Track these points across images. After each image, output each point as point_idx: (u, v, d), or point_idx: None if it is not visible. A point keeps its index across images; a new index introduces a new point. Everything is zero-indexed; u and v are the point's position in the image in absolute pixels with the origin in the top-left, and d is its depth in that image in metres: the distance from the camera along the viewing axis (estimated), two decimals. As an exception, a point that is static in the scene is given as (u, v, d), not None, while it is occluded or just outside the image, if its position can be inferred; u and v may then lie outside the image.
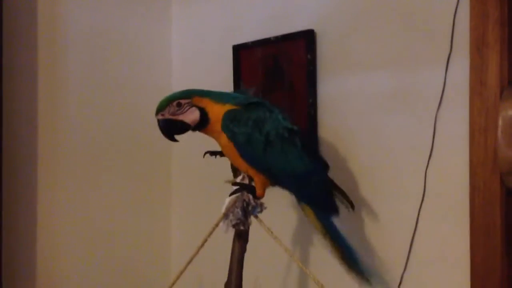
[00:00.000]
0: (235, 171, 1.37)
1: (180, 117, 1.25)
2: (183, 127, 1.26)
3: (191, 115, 1.25)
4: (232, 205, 1.26)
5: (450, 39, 1.33)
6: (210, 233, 1.25)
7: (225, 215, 1.26)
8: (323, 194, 1.33)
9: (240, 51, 1.78)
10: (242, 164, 1.28)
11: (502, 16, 1.25)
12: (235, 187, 1.29)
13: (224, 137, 1.26)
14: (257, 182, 1.29)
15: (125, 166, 1.87)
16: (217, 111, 1.25)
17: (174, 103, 1.24)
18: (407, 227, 1.40)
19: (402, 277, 1.41)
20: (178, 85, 1.98)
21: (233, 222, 1.25)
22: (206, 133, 1.30)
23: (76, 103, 1.75)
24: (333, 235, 1.32)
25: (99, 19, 1.81)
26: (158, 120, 1.26)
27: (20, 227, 1.63)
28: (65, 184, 1.72)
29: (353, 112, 1.52)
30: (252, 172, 1.28)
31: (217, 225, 1.26)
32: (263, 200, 1.30)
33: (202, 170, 1.90)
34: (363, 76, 1.50)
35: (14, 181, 1.61)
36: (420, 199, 1.38)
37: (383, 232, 1.45)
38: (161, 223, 1.98)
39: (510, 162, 1.22)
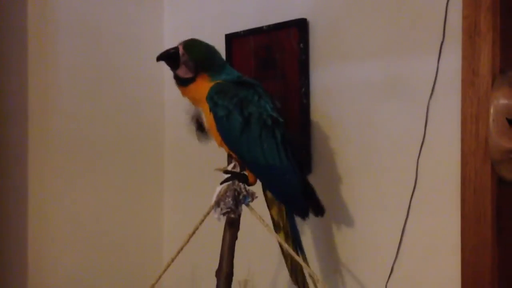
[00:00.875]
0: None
1: (181, 65, 1.25)
2: (174, 61, 1.26)
3: (184, 72, 1.26)
4: (223, 194, 1.26)
5: (442, 27, 1.33)
6: (202, 221, 1.25)
7: (216, 204, 1.26)
8: (295, 194, 1.30)
9: (233, 40, 1.77)
10: (222, 143, 1.27)
11: (494, 4, 1.25)
12: (226, 175, 1.29)
13: (207, 109, 1.25)
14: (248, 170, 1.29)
15: (117, 154, 1.86)
16: (206, 84, 1.25)
17: (190, 63, 1.25)
18: (398, 216, 1.40)
19: (392, 267, 1.42)
20: (170, 75, 1.97)
21: (223, 211, 1.24)
22: (187, 93, 1.29)
23: (67, 94, 1.73)
24: (295, 236, 1.33)
25: (90, 8, 1.79)
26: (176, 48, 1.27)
27: (10, 215, 1.61)
28: (56, 174, 1.71)
29: (346, 101, 1.51)
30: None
31: (208, 213, 1.26)
32: (254, 188, 1.30)
33: (194, 158, 1.89)
34: (355, 65, 1.49)
35: (4, 174, 1.60)
36: (412, 188, 1.38)
37: (374, 222, 1.45)
38: (153, 211, 1.97)
39: (502, 151, 1.22)
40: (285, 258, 1.34)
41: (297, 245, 1.33)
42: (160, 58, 1.27)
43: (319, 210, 1.37)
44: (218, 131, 1.25)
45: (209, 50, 1.30)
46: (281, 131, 1.27)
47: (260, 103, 1.26)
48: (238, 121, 1.22)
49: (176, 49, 1.26)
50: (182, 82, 1.28)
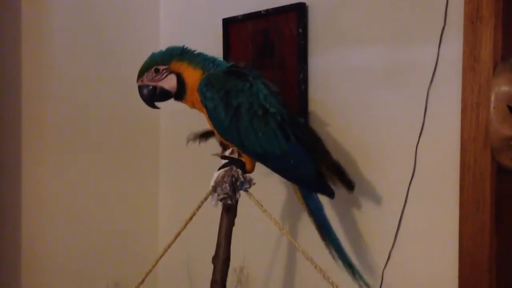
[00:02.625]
0: (223, 146, 1.35)
1: (159, 84, 1.23)
2: (163, 94, 1.25)
3: (169, 82, 1.23)
4: (221, 180, 1.25)
5: (444, 13, 1.31)
6: (199, 207, 1.24)
7: (214, 189, 1.24)
8: (307, 176, 1.27)
9: (230, 25, 1.75)
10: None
11: (497, -11, 1.23)
12: (224, 161, 1.27)
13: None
14: (246, 156, 1.27)
15: (112, 141, 1.84)
16: (194, 78, 1.23)
17: (152, 69, 1.23)
18: (396, 202, 1.39)
19: (390, 254, 1.41)
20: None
21: (220, 196, 1.23)
22: (188, 103, 1.27)
23: (62, 83, 1.71)
24: (317, 216, 1.30)
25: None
26: (138, 87, 1.25)
27: (4, 199, 1.59)
28: (51, 160, 1.69)
29: (344, 87, 1.50)
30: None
31: (205, 199, 1.24)
32: (252, 174, 1.29)
33: (189, 145, 1.87)
34: (354, 51, 1.48)
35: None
36: (410, 175, 1.37)
37: (372, 208, 1.45)
38: (148, 197, 1.96)
39: (502, 138, 1.21)
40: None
41: (322, 227, 1.29)
42: (151, 104, 1.27)
43: (349, 185, 1.31)
44: (211, 123, 1.24)
45: (168, 49, 1.27)
46: (276, 119, 1.23)
47: (252, 91, 1.23)
48: (226, 112, 1.20)
49: (139, 88, 1.26)
50: (178, 95, 1.25)
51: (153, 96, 1.25)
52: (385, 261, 1.41)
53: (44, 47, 1.67)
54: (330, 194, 1.30)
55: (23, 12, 1.62)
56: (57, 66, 1.70)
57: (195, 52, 1.27)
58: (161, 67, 1.23)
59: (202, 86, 1.21)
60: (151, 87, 1.24)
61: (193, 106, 1.27)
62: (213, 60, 1.28)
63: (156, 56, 1.25)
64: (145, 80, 1.24)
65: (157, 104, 1.27)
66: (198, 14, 1.86)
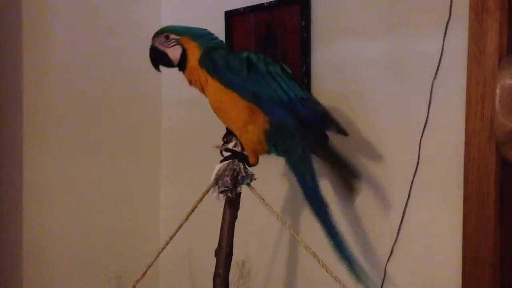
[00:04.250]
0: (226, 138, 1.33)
1: (166, 50, 1.27)
2: (166, 61, 1.28)
3: (174, 52, 1.26)
4: (222, 173, 1.24)
5: (449, 5, 1.30)
6: (200, 200, 1.23)
7: (215, 182, 1.24)
8: (317, 118, 1.27)
9: (232, 18, 1.73)
10: (230, 121, 1.24)
11: (503, -19, 1.22)
12: (226, 154, 1.27)
13: (208, 82, 1.23)
14: (249, 150, 1.26)
15: (114, 132, 1.84)
16: (195, 60, 1.24)
17: (164, 35, 1.27)
18: (400, 196, 1.38)
19: (392, 249, 1.40)
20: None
21: (221, 189, 1.22)
22: (186, 78, 1.27)
23: (62, 76, 1.69)
24: (316, 209, 1.25)
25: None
26: (150, 47, 1.29)
27: (5, 197, 1.59)
28: (52, 151, 1.68)
29: (348, 80, 1.49)
30: (242, 117, 1.21)
31: (207, 191, 1.23)
32: (254, 168, 1.28)
33: (192, 136, 1.87)
34: (358, 43, 1.46)
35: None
36: (414, 168, 1.36)
37: (375, 202, 1.44)
38: (150, 189, 1.95)
39: (507, 131, 1.20)
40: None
41: (323, 220, 1.24)
42: (154, 65, 1.29)
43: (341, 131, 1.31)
44: (225, 84, 1.21)
45: (193, 28, 1.30)
46: (284, 71, 1.24)
47: (251, 56, 1.24)
48: (241, 65, 1.21)
49: (152, 46, 1.28)
50: (183, 63, 1.26)
51: (157, 60, 1.29)
52: (388, 256, 1.41)
53: (45, 44, 1.66)
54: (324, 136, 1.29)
55: (24, 5, 1.60)
56: (57, 61, 1.68)
57: (209, 35, 1.29)
58: (172, 36, 1.26)
59: (204, 56, 1.23)
60: (158, 50, 1.27)
61: (190, 83, 1.28)
62: (221, 41, 1.31)
63: (173, 26, 1.30)
64: (156, 43, 1.27)
65: (161, 68, 1.30)
66: (200, 7, 1.85)
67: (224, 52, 1.24)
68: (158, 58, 1.28)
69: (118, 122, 1.85)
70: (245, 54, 1.23)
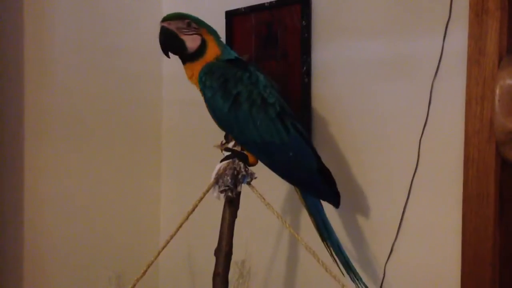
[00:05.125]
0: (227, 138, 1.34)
1: (183, 37, 1.23)
2: (180, 47, 1.23)
3: (193, 41, 1.23)
4: (222, 172, 1.24)
5: (449, 5, 1.30)
6: (200, 199, 1.23)
7: (215, 181, 1.24)
8: (306, 173, 1.25)
9: (233, 18, 1.74)
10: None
11: (503, -19, 1.22)
12: (226, 153, 1.27)
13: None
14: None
15: (114, 131, 1.84)
16: (213, 53, 1.24)
17: (186, 21, 1.23)
18: (399, 196, 1.38)
19: (392, 247, 1.41)
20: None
21: (221, 188, 1.22)
22: (188, 71, 1.26)
23: (63, 71, 1.70)
24: (316, 217, 1.27)
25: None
26: (162, 27, 1.23)
27: (6, 196, 1.59)
28: (52, 151, 1.68)
29: (348, 80, 1.49)
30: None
31: (207, 191, 1.24)
32: (255, 167, 1.28)
33: (193, 135, 1.87)
34: (358, 43, 1.47)
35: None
36: (414, 168, 1.36)
37: (375, 202, 1.44)
38: (150, 188, 1.96)
39: (506, 131, 1.20)
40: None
41: (323, 229, 1.27)
42: (165, 49, 1.25)
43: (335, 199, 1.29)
44: (209, 112, 1.23)
45: (197, 17, 1.27)
46: (276, 109, 1.23)
47: (251, 80, 1.23)
48: (225, 100, 1.20)
49: (163, 28, 1.23)
50: (189, 56, 1.24)
51: (171, 44, 1.24)
52: (388, 255, 1.41)
53: (46, 44, 1.66)
54: (335, 202, 1.28)
55: (25, 5, 1.61)
56: (58, 60, 1.69)
57: (220, 39, 1.29)
58: (193, 25, 1.23)
59: (201, 74, 1.21)
60: (175, 35, 1.23)
61: (191, 77, 1.26)
62: (228, 49, 1.29)
63: (192, 15, 1.25)
64: (172, 26, 1.23)
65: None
66: (201, 7, 1.85)
67: (218, 73, 1.21)
68: (172, 43, 1.24)
69: (119, 121, 1.85)
70: (238, 88, 1.20)
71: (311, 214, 1.28)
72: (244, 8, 1.69)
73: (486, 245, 1.24)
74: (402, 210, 1.38)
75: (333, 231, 1.28)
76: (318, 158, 1.28)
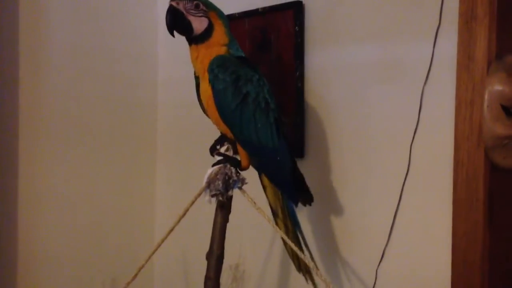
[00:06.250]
0: (220, 140, 1.35)
1: (190, 17, 1.22)
2: (186, 28, 1.23)
3: (200, 23, 1.23)
4: (214, 176, 1.25)
5: (439, 11, 1.31)
6: (192, 203, 1.24)
7: (207, 186, 1.25)
8: (286, 178, 1.30)
9: (227, 23, 1.75)
10: (218, 120, 1.26)
11: (491, -11, 1.24)
12: (218, 158, 1.28)
13: (206, 80, 1.23)
14: (242, 152, 1.28)
15: (109, 134, 1.85)
16: (219, 38, 1.24)
17: (194, 2, 1.22)
18: (390, 201, 1.40)
19: (383, 252, 1.42)
20: (165, 57, 1.96)
21: (212, 193, 1.23)
22: (193, 52, 1.25)
23: (59, 74, 1.70)
24: (293, 218, 1.33)
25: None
26: (170, 6, 1.23)
27: (0, 196, 1.60)
28: (47, 154, 1.69)
29: (340, 85, 1.50)
30: (223, 127, 1.27)
31: (199, 195, 1.25)
32: (247, 172, 1.29)
33: (187, 139, 1.88)
34: (350, 49, 1.48)
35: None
36: (405, 173, 1.37)
37: (366, 206, 1.45)
38: (145, 191, 1.96)
39: (495, 136, 1.22)
40: (284, 243, 1.32)
41: (297, 229, 1.34)
42: (171, 28, 1.24)
43: (308, 199, 1.38)
44: (215, 104, 1.23)
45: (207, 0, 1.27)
46: (274, 115, 1.27)
47: (260, 83, 1.25)
48: (236, 96, 1.21)
49: (171, 7, 1.22)
50: (196, 38, 1.24)
51: (177, 24, 1.23)
52: (379, 259, 1.42)
53: (42, 46, 1.67)
54: (296, 202, 1.34)
55: (21, 6, 1.62)
56: (53, 63, 1.70)
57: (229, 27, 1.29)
58: (202, 6, 1.23)
59: (214, 66, 1.22)
60: (182, 14, 1.22)
61: (195, 59, 1.25)
62: (237, 45, 1.30)
63: None
64: (181, 6, 1.22)
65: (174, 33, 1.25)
66: (196, 12, 1.86)
67: (231, 69, 1.21)
68: (178, 23, 1.23)
69: (113, 125, 1.86)
70: (247, 88, 1.22)
71: (289, 217, 1.33)
72: (238, 13, 1.71)
73: (476, 249, 1.25)
74: (394, 214, 1.39)
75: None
76: (294, 163, 1.35)
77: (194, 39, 1.24)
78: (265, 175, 1.30)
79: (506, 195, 1.31)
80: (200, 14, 1.23)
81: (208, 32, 1.24)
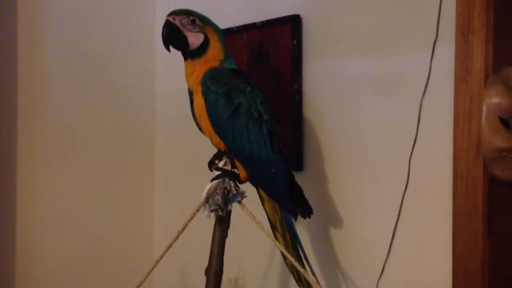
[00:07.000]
0: (218, 155, 1.35)
1: (186, 33, 1.24)
2: (182, 43, 1.25)
3: (196, 38, 1.25)
4: (213, 191, 1.25)
5: (436, 24, 1.32)
6: (191, 218, 1.24)
7: (206, 201, 1.25)
8: (282, 190, 1.30)
9: (225, 36, 1.75)
10: (212, 133, 1.26)
11: (487, 2, 1.24)
12: (217, 172, 1.28)
13: (200, 93, 1.24)
14: (239, 165, 1.27)
15: (107, 148, 1.85)
16: (214, 53, 1.26)
17: (191, 18, 1.25)
18: (390, 214, 1.39)
19: (384, 266, 1.41)
20: (163, 67, 1.97)
21: (212, 208, 1.23)
22: (189, 67, 1.26)
23: (57, 85, 1.72)
24: (292, 232, 1.33)
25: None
26: (166, 21, 1.25)
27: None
28: (45, 166, 1.69)
29: (338, 98, 1.51)
30: (216, 140, 1.27)
31: (198, 210, 1.24)
32: (246, 186, 1.29)
33: (185, 153, 1.88)
34: (348, 62, 1.49)
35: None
36: (404, 186, 1.37)
37: (366, 220, 1.45)
38: (143, 206, 1.96)
39: (493, 149, 1.22)
40: (283, 257, 1.32)
41: (296, 241, 1.33)
42: (166, 43, 1.26)
43: (307, 211, 1.37)
44: (208, 116, 1.24)
45: (203, 15, 1.29)
46: (267, 126, 1.27)
47: (252, 94, 1.26)
48: (227, 108, 1.22)
49: (167, 22, 1.25)
50: (190, 53, 1.25)
51: (173, 39, 1.25)
52: (380, 273, 1.41)
53: (40, 50, 1.68)
54: (295, 215, 1.34)
55: (19, 15, 1.62)
56: (52, 68, 1.70)
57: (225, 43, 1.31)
58: (198, 22, 1.25)
59: (207, 78, 1.23)
60: (178, 30, 1.24)
61: (190, 74, 1.27)
62: (232, 60, 1.32)
63: (198, 12, 1.27)
64: (177, 21, 1.24)
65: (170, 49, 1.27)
66: (194, 25, 1.87)
67: (223, 80, 1.23)
68: (174, 38, 1.25)
69: (112, 136, 1.86)
70: (240, 99, 1.23)
71: (288, 229, 1.32)
72: (236, 27, 1.71)
73: (476, 260, 1.25)
74: (393, 228, 1.39)
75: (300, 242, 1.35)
76: (292, 176, 1.34)
77: (189, 54, 1.26)
78: (260, 188, 1.30)
79: (505, 206, 1.31)
80: (196, 30, 1.25)
81: (203, 47, 1.25)
